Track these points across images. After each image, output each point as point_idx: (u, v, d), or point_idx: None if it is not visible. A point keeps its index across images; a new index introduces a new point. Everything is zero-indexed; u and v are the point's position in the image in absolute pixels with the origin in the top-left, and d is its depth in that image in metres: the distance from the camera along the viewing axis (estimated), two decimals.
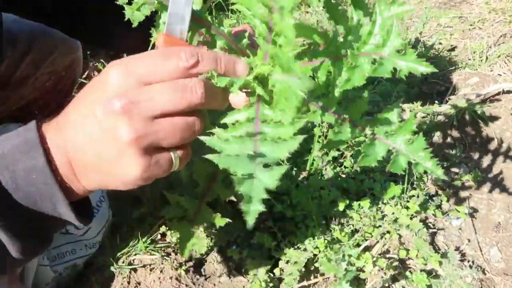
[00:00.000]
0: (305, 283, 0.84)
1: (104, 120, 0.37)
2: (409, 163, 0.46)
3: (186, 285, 0.86)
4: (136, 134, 0.37)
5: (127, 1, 0.45)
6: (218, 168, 0.43)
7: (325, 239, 0.84)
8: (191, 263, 0.89)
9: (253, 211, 0.36)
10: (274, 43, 0.41)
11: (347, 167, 1.02)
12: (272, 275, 0.85)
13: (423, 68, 0.41)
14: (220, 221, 0.52)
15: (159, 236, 0.94)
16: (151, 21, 0.47)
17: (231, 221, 0.51)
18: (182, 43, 0.42)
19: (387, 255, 0.87)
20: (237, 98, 0.43)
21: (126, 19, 0.46)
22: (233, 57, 0.42)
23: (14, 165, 0.38)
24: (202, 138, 0.39)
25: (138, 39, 0.60)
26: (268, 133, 0.40)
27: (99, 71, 1.45)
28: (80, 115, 0.39)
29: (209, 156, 0.37)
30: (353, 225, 0.89)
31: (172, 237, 0.92)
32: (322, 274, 0.85)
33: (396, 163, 0.45)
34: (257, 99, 0.43)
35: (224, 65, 0.41)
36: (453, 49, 1.45)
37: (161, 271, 0.89)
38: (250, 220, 0.36)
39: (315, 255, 0.84)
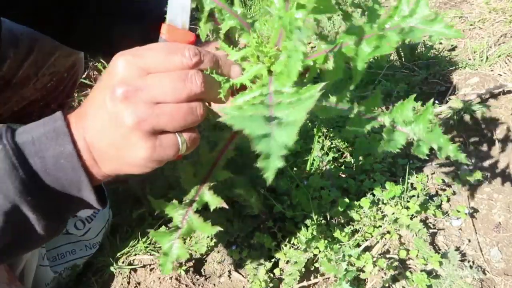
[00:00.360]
0: (305, 283, 0.84)
1: (110, 107, 0.40)
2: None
3: (186, 285, 0.86)
4: (138, 118, 0.39)
5: None
6: (210, 172, 0.43)
7: (325, 239, 0.84)
8: (191, 263, 0.90)
9: (272, 167, 0.33)
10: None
11: (347, 168, 1.02)
12: (272, 275, 0.85)
13: (453, 33, 0.45)
14: (211, 230, 0.49)
15: None
16: (148, 22, 0.48)
17: (221, 229, 0.49)
18: (184, 32, 0.45)
19: (387, 255, 0.87)
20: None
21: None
22: (230, 61, 0.46)
23: (43, 151, 0.41)
24: (215, 107, 0.40)
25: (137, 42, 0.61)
26: (283, 102, 0.40)
27: (99, 70, 1.46)
28: (93, 104, 0.42)
29: (222, 119, 0.36)
30: (353, 225, 0.89)
31: None
32: (322, 274, 0.85)
33: (419, 148, 0.48)
34: (269, 78, 0.44)
35: (222, 67, 0.44)
36: (453, 49, 1.45)
37: (160, 271, 0.89)
38: (270, 176, 0.33)
39: (315, 255, 0.84)
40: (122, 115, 0.39)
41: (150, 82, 0.40)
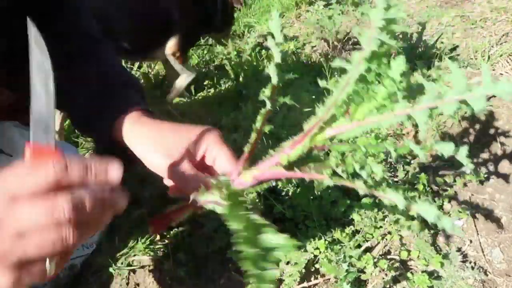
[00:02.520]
0: (305, 284, 0.83)
1: None
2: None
3: (186, 287, 0.85)
4: (1, 253, 0.37)
5: None
6: None
7: (325, 240, 0.83)
8: (191, 264, 0.89)
9: None
10: None
11: None
12: None
13: None
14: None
15: (158, 237, 0.93)
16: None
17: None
18: (49, 149, 0.41)
19: (388, 256, 0.87)
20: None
21: None
22: (104, 163, 0.40)
23: None
24: None
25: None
26: None
27: None
28: None
29: None
30: (354, 226, 0.89)
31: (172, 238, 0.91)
32: (323, 275, 0.85)
33: None
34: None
35: (95, 173, 0.40)
36: (455, 48, 1.44)
37: (160, 272, 0.88)
38: None
39: (315, 256, 0.84)
40: None
41: (14, 212, 0.37)
